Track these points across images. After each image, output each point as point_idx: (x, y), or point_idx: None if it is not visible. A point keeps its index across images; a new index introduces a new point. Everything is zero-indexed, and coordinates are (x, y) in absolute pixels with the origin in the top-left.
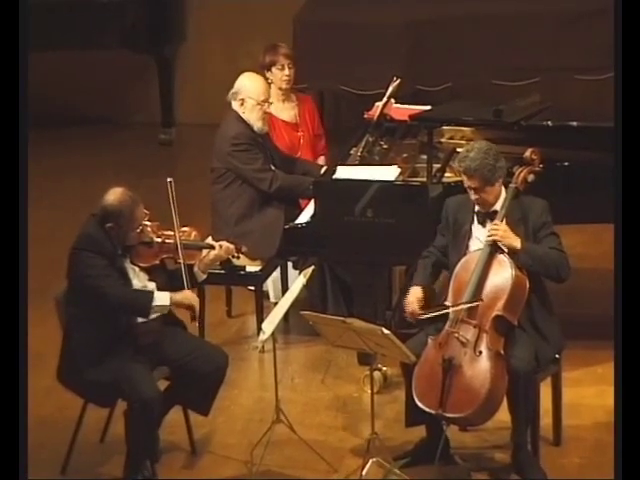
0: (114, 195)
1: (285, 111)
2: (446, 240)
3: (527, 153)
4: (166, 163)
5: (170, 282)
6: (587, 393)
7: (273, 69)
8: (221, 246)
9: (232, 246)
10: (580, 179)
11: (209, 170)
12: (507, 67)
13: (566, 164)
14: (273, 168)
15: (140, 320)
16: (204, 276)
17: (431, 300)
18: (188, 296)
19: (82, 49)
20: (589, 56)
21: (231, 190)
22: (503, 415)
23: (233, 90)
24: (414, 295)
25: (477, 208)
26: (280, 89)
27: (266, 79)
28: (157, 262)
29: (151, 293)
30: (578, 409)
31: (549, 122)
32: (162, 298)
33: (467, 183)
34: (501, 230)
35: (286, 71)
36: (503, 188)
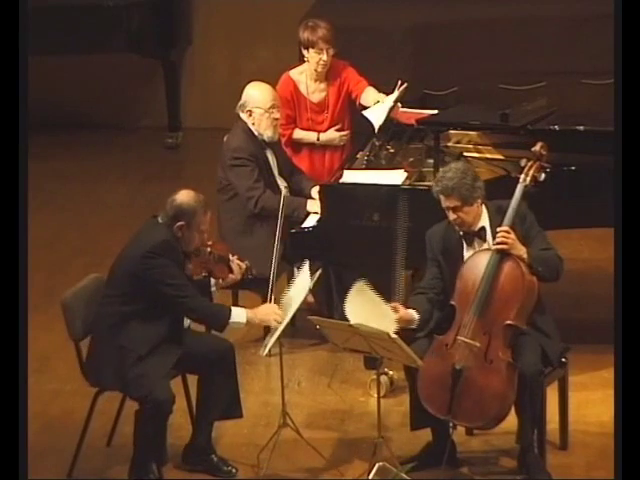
0: (188, 195)
1: (316, 93)
2: (438, 270)
3: (536, 147)
4: (172, 167)
5: (201, 294)
6: (593, 397)
7: (311, 50)
8: (239, 266)
9: (244, 265)
10: (587, 183)
11: (215, 174)
12: (514, 71)
13: (573, 168)
14: (262, 187)
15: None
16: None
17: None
18: (269, 312)
19: (89, 53)
20: (595, 60)
21: (232, 204)
22: (510, 419)
23: (240, 102)
24: (407, 312)
25: (461, 232)
26: (315, 70)
27: (302, 56)
28: (205, 274)
29: (228, 310)
30: (584, 413)
31: (556, 126)
32: (239, 315)
33: (445, 203)
34: (511, 239)
35: (324, 56)
36: (484, 207)
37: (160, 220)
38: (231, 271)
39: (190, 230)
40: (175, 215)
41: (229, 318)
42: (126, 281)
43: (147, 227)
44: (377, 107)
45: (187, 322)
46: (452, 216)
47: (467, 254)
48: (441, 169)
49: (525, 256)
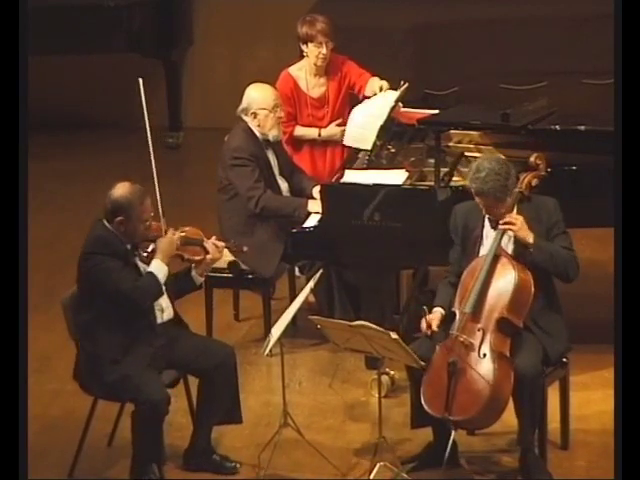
0: (123, 188)
1: (316, 88)
2: (458, 251)
3: (532, 159)
4: (173, 167)
5: (176, 283)
6: (594, 397)
7: (310, 45)
8: (215, 245)
9: (222, 244)
10: (587, 183)
11: (215, 174)
12: (514, 71)
13: (573, 168)
14: (263, 187)
15: (159, 321)
16: (202, 279)
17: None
18: (167, 242)
19: (89, 53)
20: (596, 60)
21: (232, 204)
22: (511, 419)
23: (242, 106)
24: (436, 316)
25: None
26: (315, 65)
27: (301, 52)
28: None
29: (155, 278)
30: (585, 413)
31: (556, 126)
32: (159, 269)
33: (479, 201)
34: (519, 222)
35: (323, 50)
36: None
37: (104, 219)
38: (207, 252)
39: (131, 222)
40: (113, 210)
41: (159, 280)
42: (83, 288)
43: (91, 230)
44: (370, 125)
45: (169, 314)
46: (486, 212)
47: (486, 234)
48: (474, 165)
49: (531, 241)
